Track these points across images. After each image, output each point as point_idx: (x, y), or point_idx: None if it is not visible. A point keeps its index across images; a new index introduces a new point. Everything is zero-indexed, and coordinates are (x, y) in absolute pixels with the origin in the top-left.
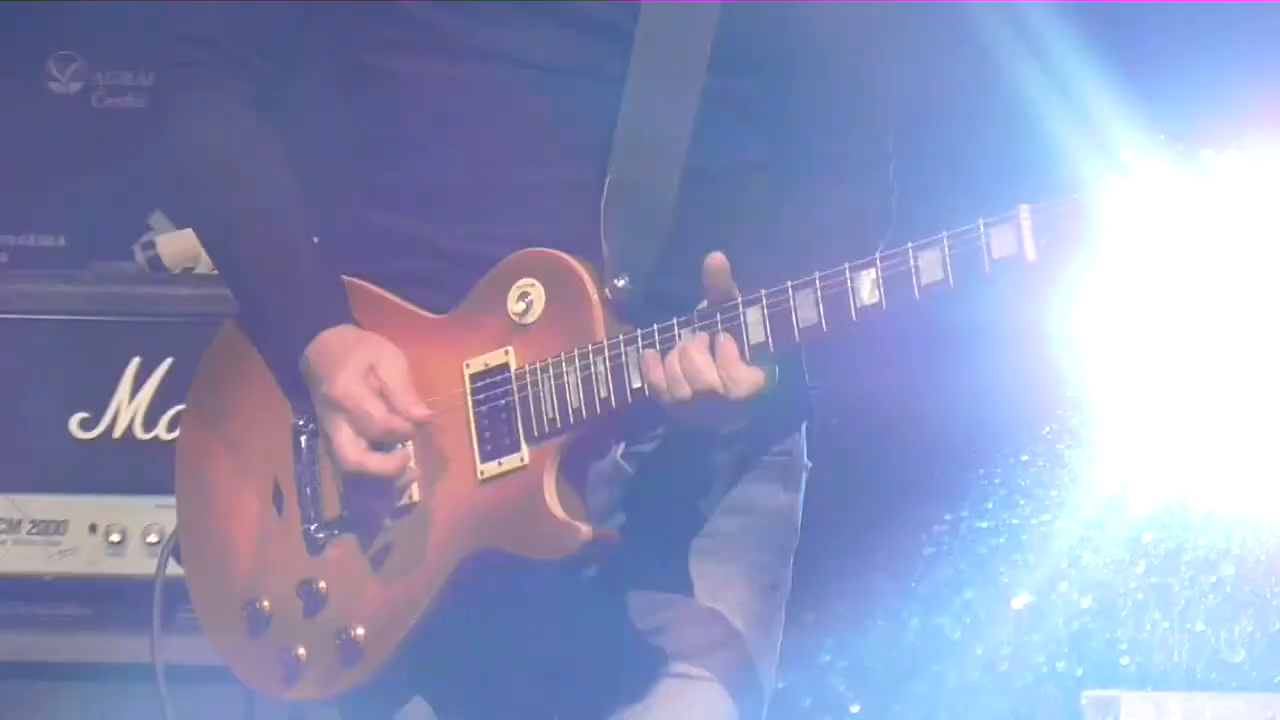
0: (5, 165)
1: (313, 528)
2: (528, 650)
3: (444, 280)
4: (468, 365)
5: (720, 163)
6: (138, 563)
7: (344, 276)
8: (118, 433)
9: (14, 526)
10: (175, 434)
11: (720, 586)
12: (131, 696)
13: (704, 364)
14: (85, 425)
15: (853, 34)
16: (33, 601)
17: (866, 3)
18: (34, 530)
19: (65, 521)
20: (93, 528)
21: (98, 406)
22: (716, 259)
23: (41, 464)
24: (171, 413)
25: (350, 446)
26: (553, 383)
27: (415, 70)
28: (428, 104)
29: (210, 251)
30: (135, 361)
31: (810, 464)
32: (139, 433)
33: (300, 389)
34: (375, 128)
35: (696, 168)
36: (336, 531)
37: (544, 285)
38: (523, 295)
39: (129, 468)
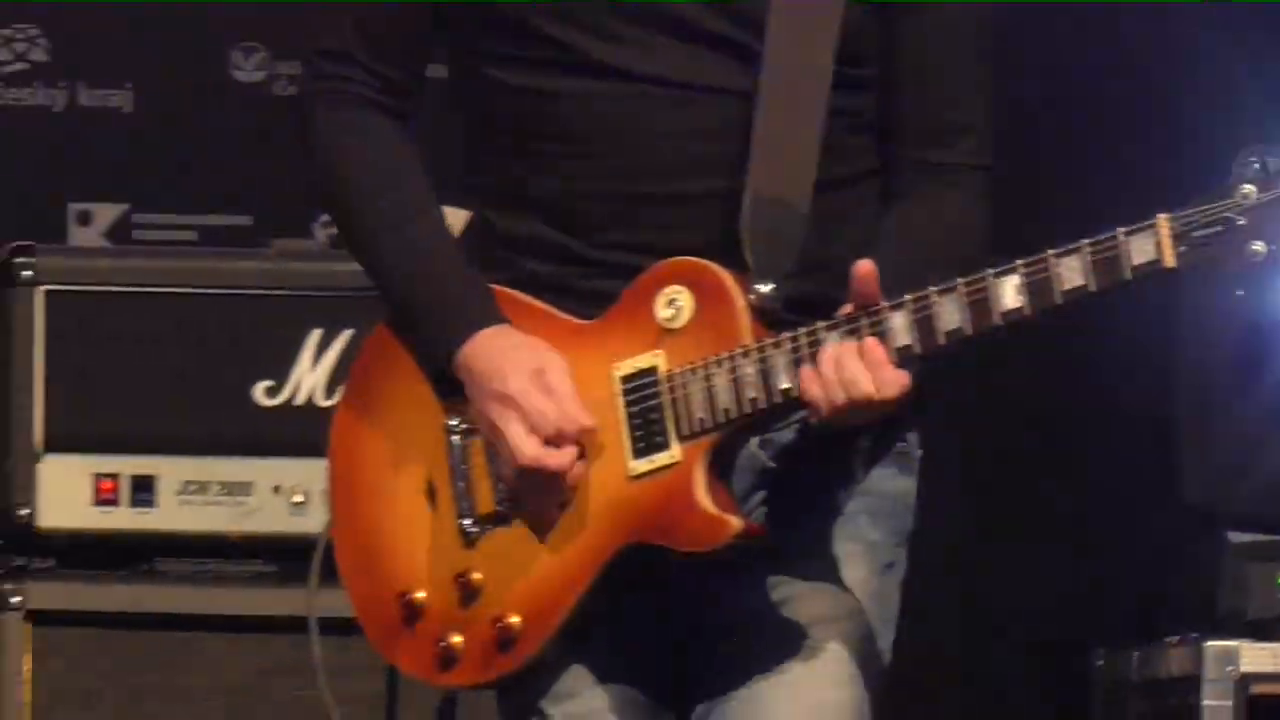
0: (195, 150)
1: (467, 522)
2: (664, 621)
3: (581, 287)
4: (617, 368)
5: (844, 172)
6: (319, 521)
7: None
8: (300, 400)
9: (203, 488)
10: None
11: (842, 563)
12: (309, 649)
13: (859, 372)
14: (269, 393)
15: (957, 53)
16: (220, 559)
17: (964, 29)
18: (221, 492)
19: (251, 483)
20: (276, 489)
21: (281, 375)
22: (865, 266)
23: (228, 429)
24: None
25: (528, 442)
26: (702, 384)
27: (553, 86)
28: (566, 119)
29: (360, 256)
30: (316, 333)
31: (922, 452)
32: (319, 400)
33: (451, 389)
34: (511, 140)
35: (824, 178)
36: (490, 525)
37: (692, 292)
38: (671, 302)
39: (310, 432)
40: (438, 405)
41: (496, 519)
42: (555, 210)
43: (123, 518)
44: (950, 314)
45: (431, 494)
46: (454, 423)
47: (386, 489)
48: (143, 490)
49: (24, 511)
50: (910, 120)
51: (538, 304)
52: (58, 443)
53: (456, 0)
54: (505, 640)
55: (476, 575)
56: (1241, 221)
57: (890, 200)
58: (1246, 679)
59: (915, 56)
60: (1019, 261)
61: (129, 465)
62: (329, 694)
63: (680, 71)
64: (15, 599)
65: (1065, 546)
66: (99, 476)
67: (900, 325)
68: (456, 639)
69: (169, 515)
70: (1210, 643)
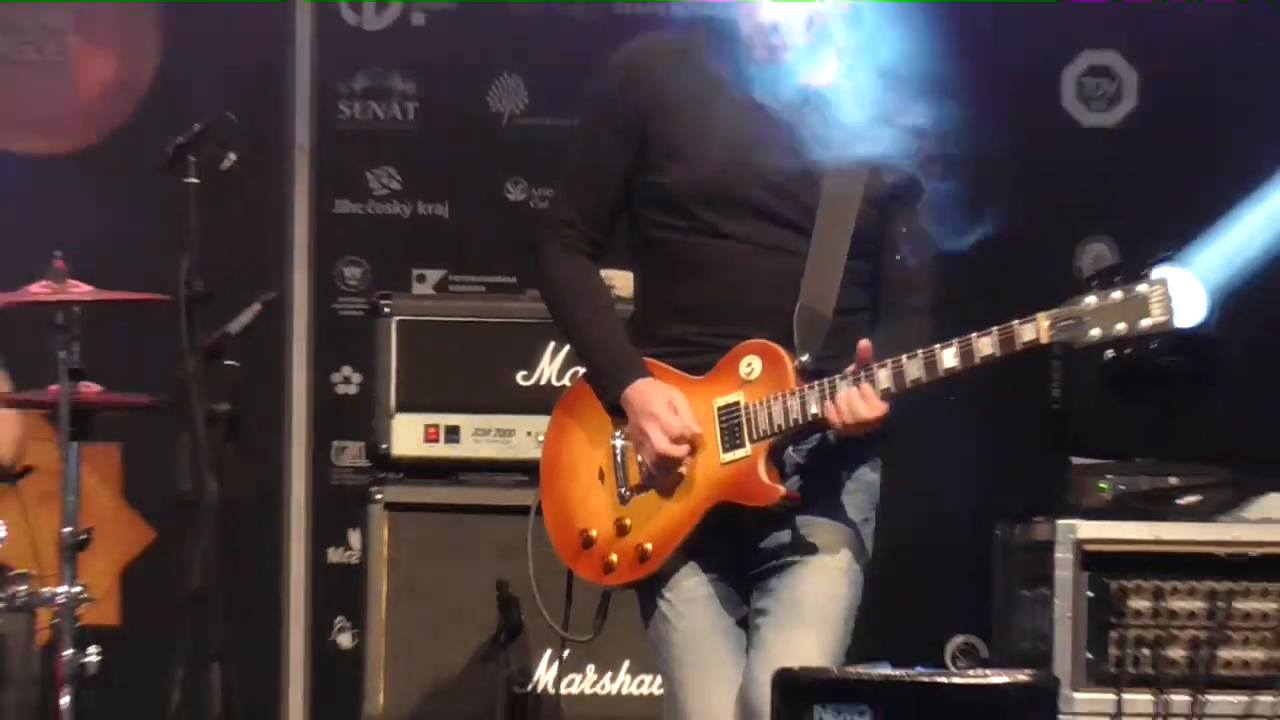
0: (483, 242)
1: (623, 490)
2: (737, 548)
3: (695, 361)
4: (716, 401)
5: (849, 305)
6: None
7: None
8: (542, 382)
9: (486, 432)
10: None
11: (841, 517)
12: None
13: (859, 404)
14: (524, 378)
15: (913, 248)
16: (496, 473)
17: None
18: (497, 435)
19: (514, 429)
20: (529, 433)
21: (531, 367)
22: (865, 344)
23: (502, 398)
24: (570, 372)
25: (662, 440)
26: (765, 410)
27: (693, 242)
28: (698, 261)
29: (569, 336)
30: (551, 344)
31: (881, 459)
32: (553, 382)
33: (619, 414)
34: (664, 271)
35: (839, 307)
36: (636, 493)
37: (761, 359)
38: (748, 364)
39: (548, 401)
40: (609, 424)
41: (640, 489)
42: (686, 313)
43: (441, 450)
44: (914, 369)
45: (601, 476)
46: (617, 434)
47: (575, 471)
48: (452, 434)
49: (384, 446)
50: (894, 281)
51: (668, 367)
52: (403, 407)
53: (638, 191)
54: (643, 557)
55: (627, 520)
56: (1087, 318)
57: (878, 318)
58: (1080, 541)
59: (890, 254)
60: (955, 339)
61: (445, 420)
62: (534, 566)
63: (762, 237)
64: (378, 496)
65: (979, 466)
66: (427, 426)
67: (883, 376)
68: (614, 557)
69: (468, 449)
70: (1060, 520)
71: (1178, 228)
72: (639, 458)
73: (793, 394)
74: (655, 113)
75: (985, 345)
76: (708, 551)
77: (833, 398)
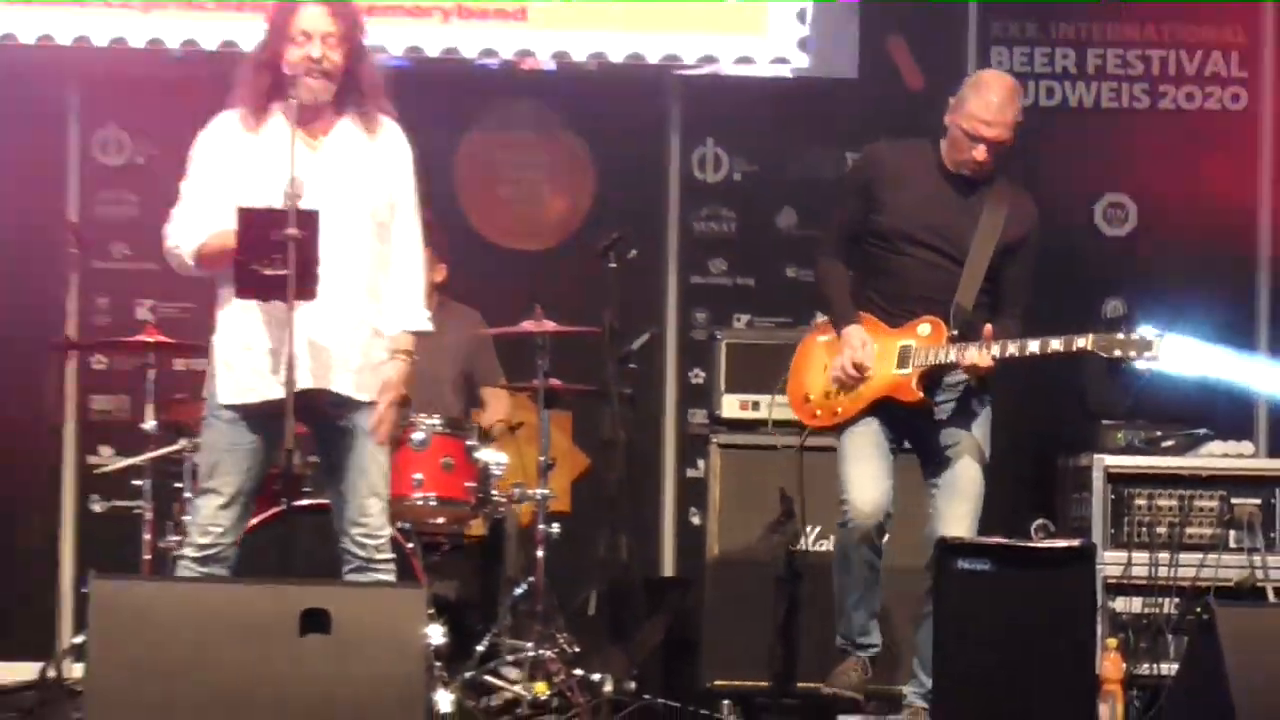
0: (770, 292)
1: (835, 384)
2: (896, 428)
3: (887, 317)
4: (899, 341)
5: (979, 304)
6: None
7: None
8: None
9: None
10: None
11: (976, 430)
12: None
13: (978, 357)
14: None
15: (1025, 274)
16: (777, 429)
17: (1029, 264)
18: (779, 407)
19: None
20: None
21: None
22: (989, 328)
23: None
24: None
25: (847, 361)
26: (926, 352)
27: (891, 253)
28: (890, 267)
29: (826, 296)
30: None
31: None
32: None
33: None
34: (870, 271)
35: (974, 304)
36: (840, 384)
37: (931, 327)
38: (923, 327)
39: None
40: (834, 344)
41: (842, 384)
42: (883, 294)
43: (749, 414)
44: (1011, 348)
45: (825, 368)
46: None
47: (811, 362)
48: (755, 405)
49: (718, 412)
50: (1006, 297)
51: (872, 317)
52: (729, 390)
53: (867, 223)
54: (835, 413)
55: (831, 393)
56: (1113, 343)
57: (996, 316)
58: (1107, 467)
59: (1010, 274)
60: (1038, 337)
61: (751, 398)
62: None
63: (927, 258)
64: (714, 440)
65: (1050, 421)
66: (741, 400)
67: (994, 347)
68: (819, 411)
69: (763, 413)
70: (1095, 454)
71: (1165, 293)
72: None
73: (942, 347)
74: (882, 180)
75: (1054, 343)
76: (885, 422)
77: (963, 353)
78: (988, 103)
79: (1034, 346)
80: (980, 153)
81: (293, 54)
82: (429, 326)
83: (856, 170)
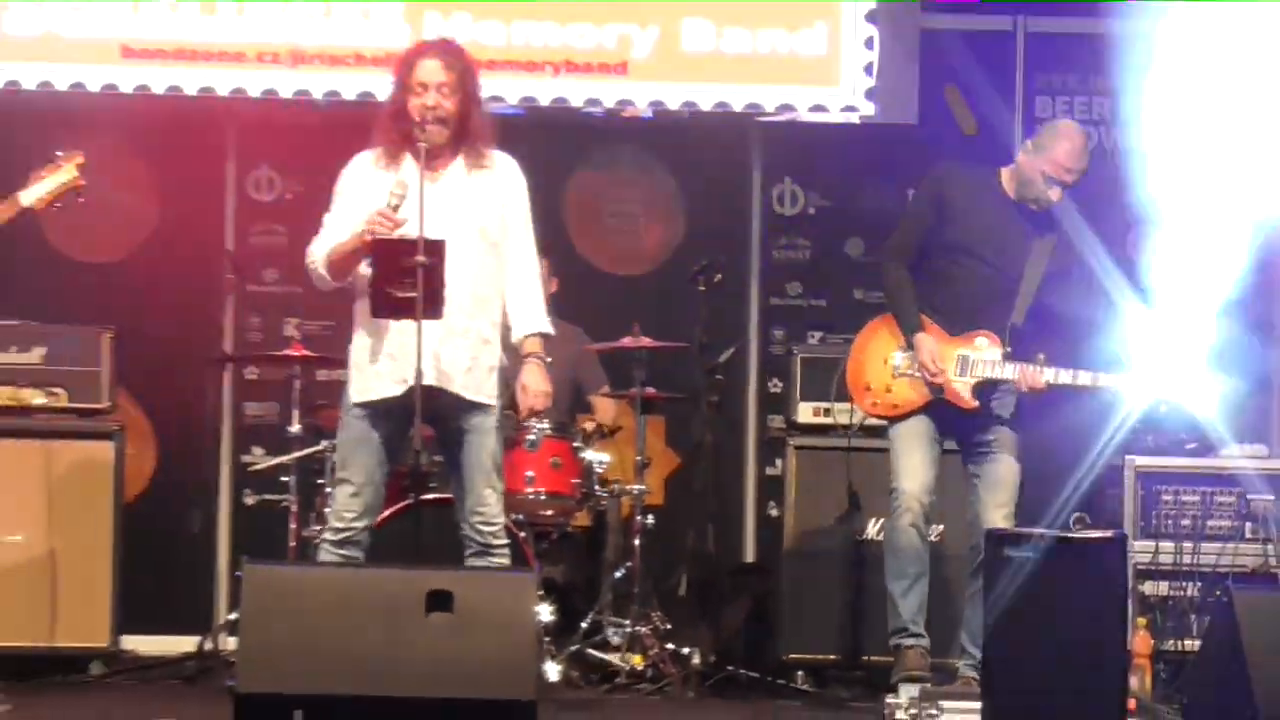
0: (840, 312)
1: (895, 372)
2: (945, 428)
3: (948, 323)
4: (958, 350)
5: (1034, 321)
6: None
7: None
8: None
9: (842, 411)
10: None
11: (1018, 432)
12: None
13: (1029, 378)
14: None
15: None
16: (846, 432)
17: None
18: (848, 413)
19: (855, 410)
20: (857, 411)
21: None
22: (1042, 356)
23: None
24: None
25: (927, 360)
26: (983, 364)
27: (954, 263)
28: (952, 276)
29: (894, 301)
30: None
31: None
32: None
33: (907, 344)
34: (934, 283)
35: (1029, 320)
36: (900, 377)
37: (988, 341)
38: (980, 340)
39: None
40: (896, 341)
41: (902, 376)
42: (943, 304)
43: (821, 419)
44: (1064, 377)
45: (884, 361)
46: (898, 350)
47: (871, 355)
48: (827, 412)
49: (794, 417)
50: (1057, 326)
51: (932, 322)
52: (803, 398)
53: (930, 238)
54: (894, 405)
55: (891, 388)
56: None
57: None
58: (1136, 466)
59: (1058, 302)
60: (1079, 370)
61: (823, 405)
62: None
63: (983, 271)
64: (791, 442)
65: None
66: (814, 407)
67: (1048, 372)
68: (876, 401)
69: (834, 418)
70: (1126, 455)
71: None
72: (913, 363)
73: (999, 362)
74: (946, 200)
75: (1103, 378)
76: (935, 419)
77: (1022, 373)
78: (1072, 153)
79: (1085, 379)
80: (1056, 193)
81: (413, 103)
82: (551, 329)
83: (931, 183)
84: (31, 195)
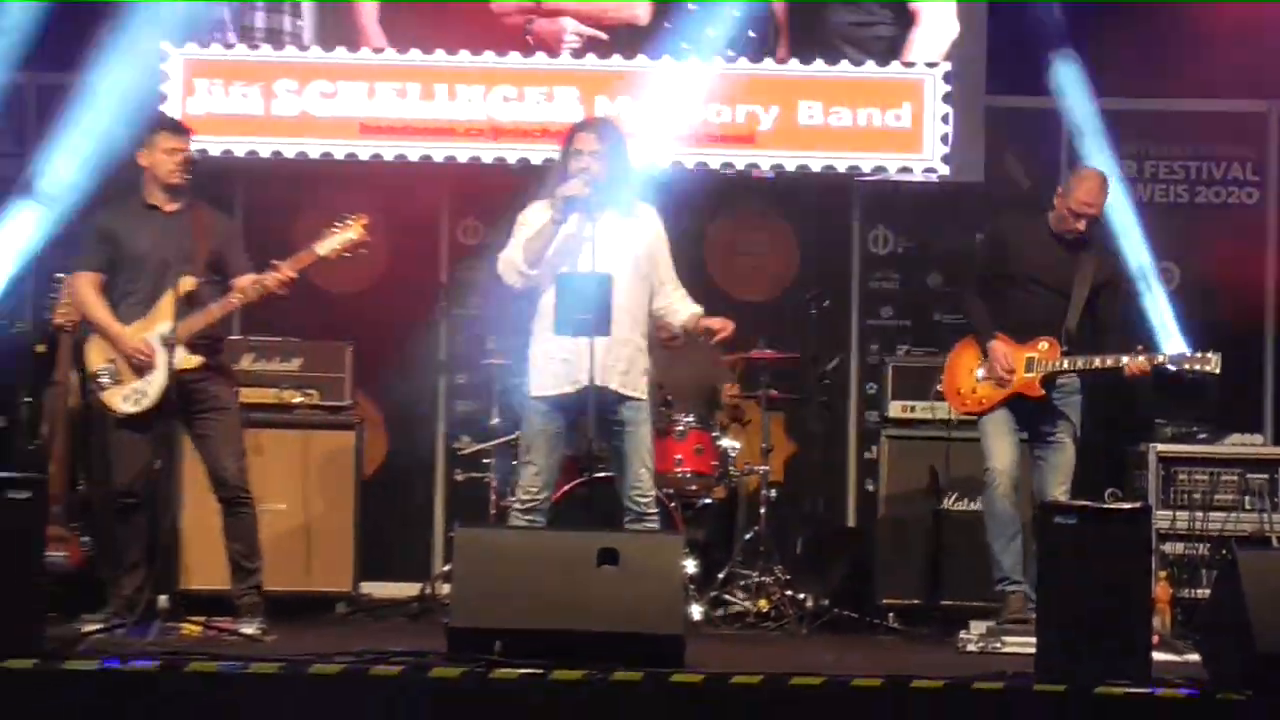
0: (920, 329)
1: (979, 379)
2: (1029, 423)
3: (1016, 337)
4: (1025, 354)
5: (1085, 326)
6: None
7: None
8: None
9: (927, 408)
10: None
11: (1075, 420)
12: None
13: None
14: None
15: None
16: (932, 426)
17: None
18: (932, 410)
19: (940, 408)
20: (941, 407)
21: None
22: (1139, 346)
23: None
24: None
25: (1000, 362)
26: (1045, 363)
27: (1014, 290)
28: (1017, 300)
29: (974, 321)
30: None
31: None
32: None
33: (983, 353)
34: (1001, 305)
35: (1079, 326)
36: (984, 382)
37: (1049, 344)
38: (1042, 345)
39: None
40: (979, 355)
41: (985, 380)
42: (1010, 321)
43: (910, 414)
44: (1107, 362)
45: (971, 371)
46: (982, 361)
47: (962, 365)
48: (914, 409)
49: (887, 414)
50: (1102, 324)
51: (1003, 336)
52: (894, 396)
53: (999, 267)
54: (980, 403)
55: (977, 390)
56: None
57: (1098, 339)
58: (1159, 451)
59: (1105, 307)
60: (1125, 355)
61: (913, 403)
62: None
63: (1040, 294)
64: (884, 433)
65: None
66: (903, 405)
67: (1099, 360)
68: (968, 401)
69: (921, 414)
70: (1149, 443)
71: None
72: (989, 368)
73: (1058, 359)
74: (1007, 241)
75: (1140, 358)
76: (1011, 411)
77: (1074, 363)
78: (1088, 192)
79: (1125, 360)
80: (1081, 224)
81: (574, 165)
82: (701, 309)
83: (993, 229)
84: (325, 247)
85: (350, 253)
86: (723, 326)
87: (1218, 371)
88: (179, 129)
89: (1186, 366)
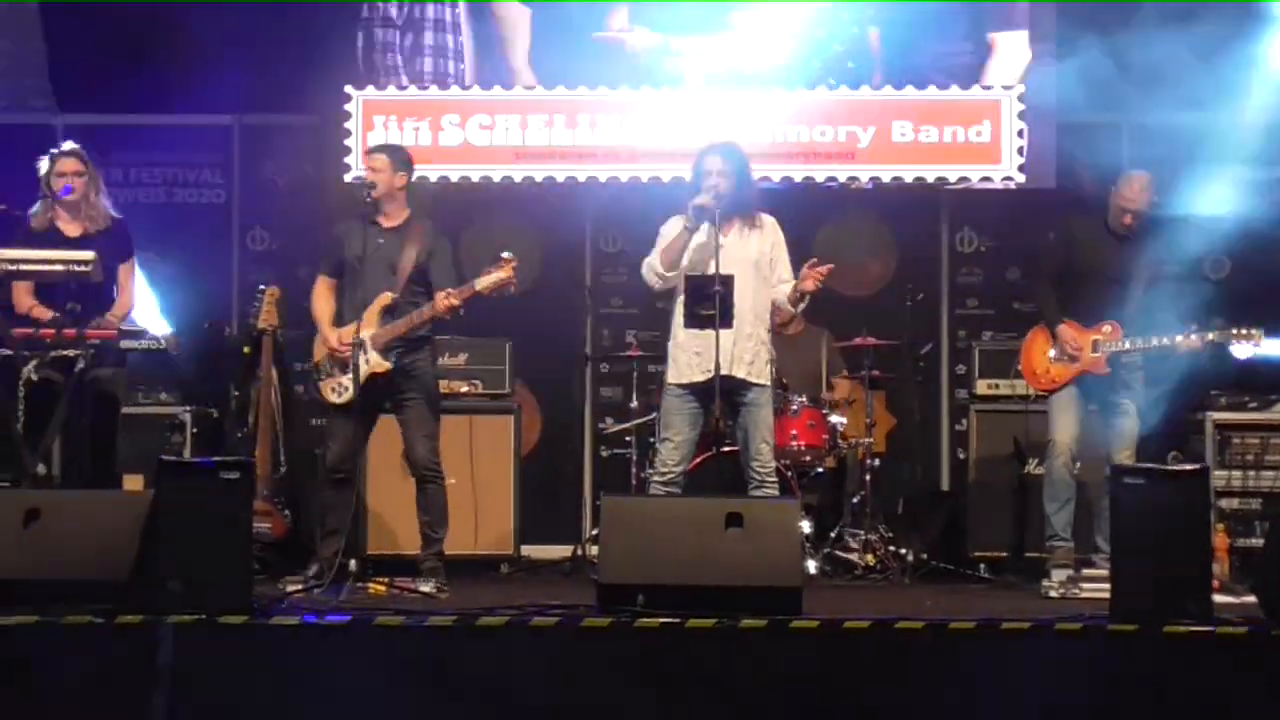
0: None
1: (1053, 358)
2: (1098, 397)
3: (1079, 321)
4: (1092, 336)
5: (1140, 309)
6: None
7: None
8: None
9: (1006, 384)
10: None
11: (1138, 396)
12: None
13: (1150, 344)
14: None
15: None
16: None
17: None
18: (1013, 387)
19: (1018, 386)
20: (1022, 386)
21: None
22: (1193, 325)
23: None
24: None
25: (1067, 343)
26: (1108, 343)
27: (1078, 282)
28: (1082, 291)
29: (1045, 311)
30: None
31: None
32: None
33: (1052, 336)
34: (1068, 295)
35: (1136, 312)
36: (1057, 362)
37: (1112, 328)
38: (1107, 328)
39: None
40: (1050, 339)
41: (1057, 360)
42: (1076, 309)
43: (995, 390)
44: (1165, 339)
45: (1045, 352)
46: (1052, 343)
47: (1036, 348)
48: (998, 386)
49: (974, 391)
50: (1157, 309)
51: (1073, 323)
52: (982, 376)
53: (1066, 263)
54: (1054, 380)
55: (1051, 369)
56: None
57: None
58: (1215, 419)
59: (1159, 293)
60: (1180, 335)
61: (997, 380)
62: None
63: (1103, 284)
64: (972, 408)
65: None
66: (988, 384)
67: (1156, 339)
68: (1044, 379)
69: (1007, 390)
70: (1207, 411)
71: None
72: (1059, 349)
73: (1120, 339)
74: (1072, 241)
75: (1193, 336)
76: (1081, 390)
77: (1134, 342)
78: (1133, 191)
79: (1179, 338)
80: (1128, 219)
81: (704, 184)
82: (793, 280)
83: (1060, 231)
84: (483, 284)
85: (500, 292)
86: (815, 274)
87: (1261, 344)
88: (367, 150)
89: (1234, 340)
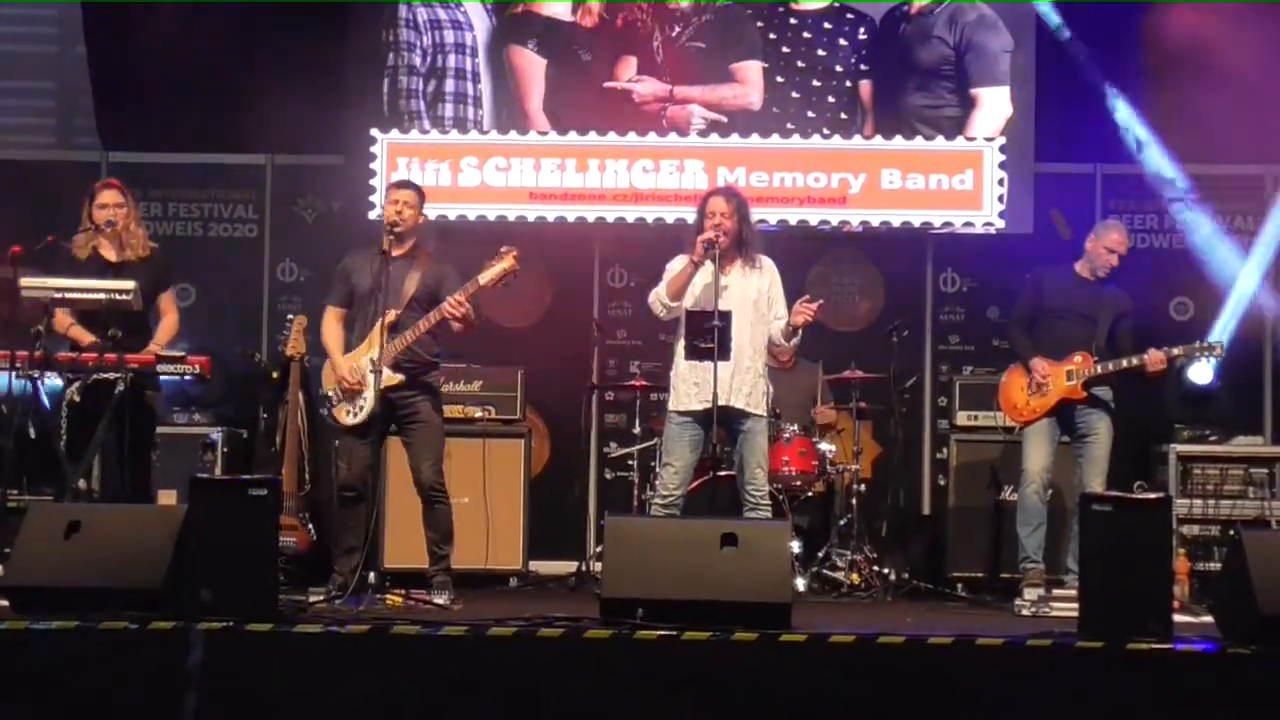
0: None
1: (1029, 394)
2: (1060, 419)
3: (1052, 356)
4: (1065, 366)
5: (1103, 347)
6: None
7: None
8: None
9: (998, 419)
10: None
11: (1108, 419)
12: None
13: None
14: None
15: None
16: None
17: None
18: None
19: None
20: (1003, 419)
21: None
22: (1151, 347)
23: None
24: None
25: (1038, 373)
26: (1081, 372)
27: (1051, 321)
28: (1053, 330)
29: (1016, 348)
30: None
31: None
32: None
33: (1025, 368)
34: (1041, 335)
35: (1102, 348)
36: (1033, 395)
37: (1081, 359)
38: (1077, 359)
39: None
40: (1025, 374)
41: (1034, 391)
42: (1048, 346)
43: (987, 421)
44: (1127, 364)
45: (1021, 390)
46: (1027, 378)
47: (1015, 384)
48: (990, 416)
49: (954, 422)
50: (1117, 342)
51: (1042, 357)
52: (962, 409)
53: (1038, 307)
54: (1034, 412)
55: (1030, 401)
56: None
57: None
58: (1178, 451)
59: (1123, 333)
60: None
61: (975, 414)
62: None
63: (1071, 322)
64: (952, 437)
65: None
66: (968, 415)
67: (1125, 361)
68: (1024, 411)
69: (995, 421)
70: (1169, 444)
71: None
72: (1031, 380)
73: (1092, 368)
74: (1043, 287)
75: (1158, 353)
76: (1055, 421)
77: (1105, 366)
78: (1116, 239)
79: (1146, 356)
80: (1114, 260)
81: (708, 224)
82: (786, 316)
83: (1033, 276)
84: (486, 277)
85: (504, 282)
86: (806, 309)
87: (1223, 353)
88: (394, 185)
89: (1197, 353)
